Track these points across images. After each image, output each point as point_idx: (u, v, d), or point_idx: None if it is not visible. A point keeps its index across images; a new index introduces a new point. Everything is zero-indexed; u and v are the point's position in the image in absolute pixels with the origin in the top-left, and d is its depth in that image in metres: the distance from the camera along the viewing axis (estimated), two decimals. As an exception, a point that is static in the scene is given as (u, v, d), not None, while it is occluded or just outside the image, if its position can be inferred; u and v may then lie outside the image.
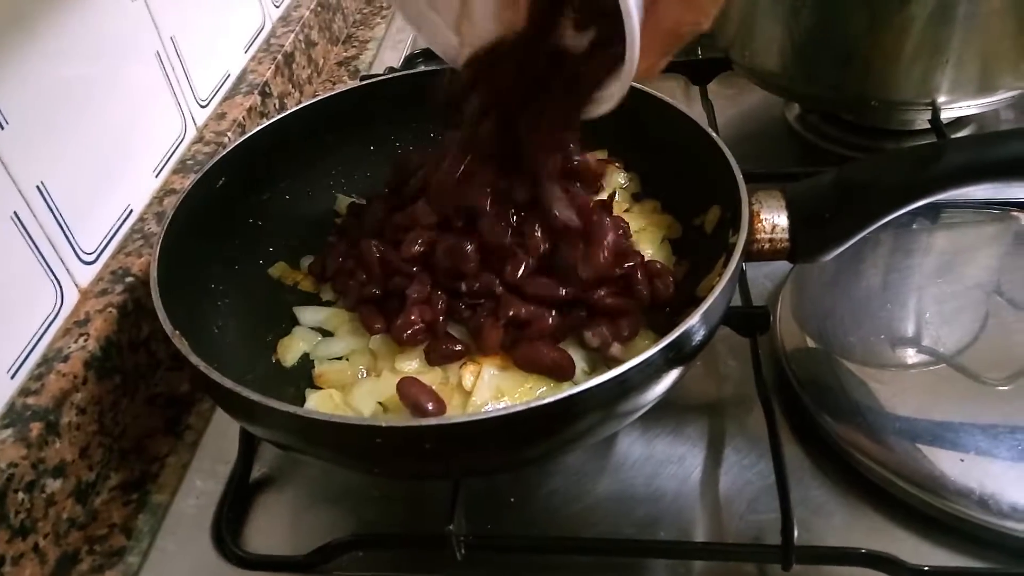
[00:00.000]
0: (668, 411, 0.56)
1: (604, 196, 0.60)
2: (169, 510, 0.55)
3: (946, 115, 0.72)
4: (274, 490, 0.55)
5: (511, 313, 0.48)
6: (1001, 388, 0.54)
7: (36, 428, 0.51)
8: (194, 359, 0.43)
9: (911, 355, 0.58)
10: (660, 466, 0.53)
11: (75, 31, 0.60)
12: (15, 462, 0.49)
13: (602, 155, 0.66)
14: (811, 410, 0.54)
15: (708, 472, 0.53)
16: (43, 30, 0.57)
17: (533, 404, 0.39)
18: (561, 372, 0.48)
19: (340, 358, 0.54)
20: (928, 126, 0.73)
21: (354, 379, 0.51)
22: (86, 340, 0.56)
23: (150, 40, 0.70)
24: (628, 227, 0.57)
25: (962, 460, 0.49)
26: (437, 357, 0.50)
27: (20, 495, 0.49)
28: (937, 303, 0.61)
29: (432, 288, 0.51)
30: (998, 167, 0.46)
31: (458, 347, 0.50)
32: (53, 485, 0.52)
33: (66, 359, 0.55)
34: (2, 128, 0.53)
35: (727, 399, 0.57)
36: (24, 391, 0.53)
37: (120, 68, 0.66)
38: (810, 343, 0.58)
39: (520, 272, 0.49)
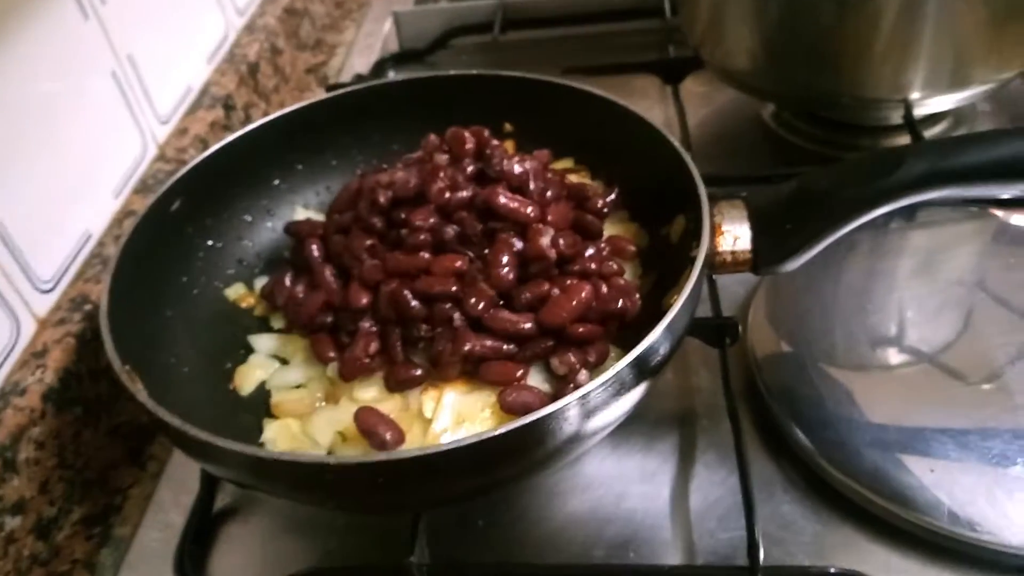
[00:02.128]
0: (638, 425, 0.55)
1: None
2: (132, 543, 0.54)
3: (919, 112, 0.70)
4: (238, 521, 0.54)
5: (467, 348, 0.47)
6: (985, 387, 0.53)
7: (-9, 466, 0.50)
8: (141, 397, 0.42)
9: (889, 355, 0.57)
10: (631, 484, 0.53)
11: (26, 56, 0.59)
12: (-30, 502, 0.48)
13: (568, 163, 0.65)
14: (781, 421, 0.53)
15: (679, 489, 0.52)
16: (-12, 56, 0.55)
17: (486, 435, 0.38)
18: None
19: (298, 386, 0.53)
20: (902, 121, 0.72)
21: (312, 408, 0.50)
22: (43, 372, 0.55)
23: (106, 60, 0.68)
24: (614, 263, 0.54)
25: (932, 471, 0.48)
26: (395, 384, 0.49)
27: (-24, 536, 0.48)
28: (917, 301, 0.60)
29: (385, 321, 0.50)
30: (959, 174, 0.45)
31: (417, 372, 0.48)
32: (12, 523, 0.51)
33: (23, 393, 0.54)
34: (-53, 162, 0.51)
35: (698, 411, 0.57)
36: (-21, 428, 0.52)
37: (75, 91, 0.64)
38: (784, 348, 0.58)
39: (481, 307, 0.48)
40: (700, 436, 0.55)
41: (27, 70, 0.59)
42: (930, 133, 0.76)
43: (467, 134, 0.57)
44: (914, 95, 0.67)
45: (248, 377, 0.54)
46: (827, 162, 0.75)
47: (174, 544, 0.52)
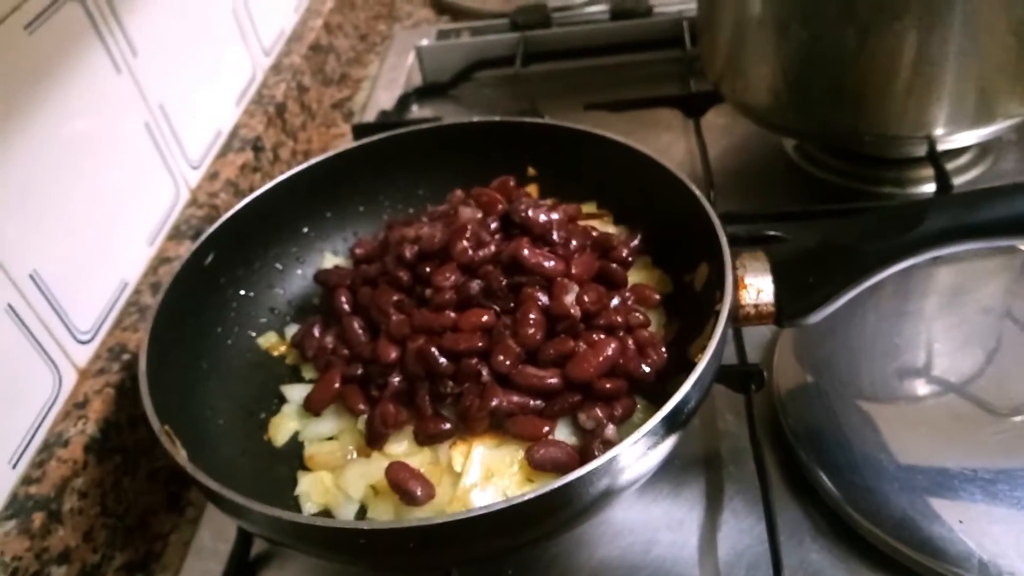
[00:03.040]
0: (665, 471, 0.56)
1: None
2: (173, 591, 0.55)
3: (943, 146, 0.70)
4: (274, 568, 0.55)
5: (494, 404, 0.48)
6: (1015, 419, 0.53)
7: (38, 518, 0.51)
8: (180, 460, 0.44)
9: (915, 394, 0.58)
10: (659, 531, 0.53)
11: (62, 110, 0.61)
12: (19, 555, 0.50)
13: (591, 207, 0.66)
14: (807, 466, 0.53)
15: (707, 536, 0.52)
16: (26, 116, 0.57)
17: (517, 500, 0.39)
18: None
19: (330, 438, 0.54)
20: (925, 155, 0.72)
21: (344, 460, 0.52)
22: (85, 423, 0.57)
23: (138, 111, 0.70)
24: (641, 316, 0.55)
25: (961, 521, 0.48)
26: (424, 438, 0.50)
27: (25, 587, 0.50)
28: (943, 339, 0.60)
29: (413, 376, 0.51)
30: (983, 228, 0.45)
31: (446, 426, 0.50)
32: (58, 572, 0.53)
33: (66, 444, 0.56)
34: (-8, 223, 0.53)
35: (725, 456, 0.57)
36: (26, 480, 0.54)
37: (109, 142, 0.66)
38: (809, 391, 0.58)
39: (508, 364, 0.49)
40: (727, 482, 0.55)
41: (62, 123, 0.61)
42: (953, 165, 0.76)
43: (496, 195, 0.58)
44: (937, 131, 0.67)
45: (281, 428, 0.55)
46: (852, 195, 0.76)
47: (213, 591, 0.54)
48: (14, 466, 0.54)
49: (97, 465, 0.57)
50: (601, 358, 0.49)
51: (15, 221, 0.55)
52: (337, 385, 0.54)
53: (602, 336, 0.50)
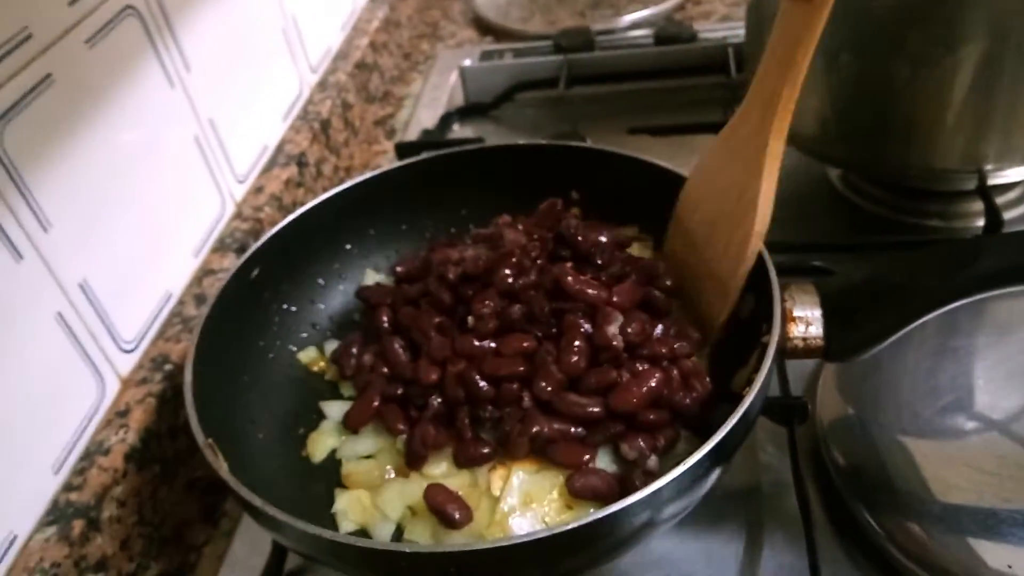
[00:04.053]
0: (704, 504, 0.54)
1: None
2: (206, 603, 0.55)
3: (994, 181, 0.69)
4: (308, 583, 0.55)
5: (535, 430, 0.48)
6: None
7: (78, 525, 0.52)
8: (224, 474, 0.44)
9: (960, 432, 0.56)
10: (696, 565, 0.52)
11: (116, 125, 0.62)
12: (58, 562, 0.50)
13: (632, 231, 0.66)
14: (850, 504, 0.52)
15: (745, 571, 0.52)
16: (84, 128, 0.58)
17: (559, 529, 0.38)
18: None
19: (368, 456, 0.54)
20: (975, 188, 0.71)
21: (381, 480, 0.52)
22: (126, 432, 0.58)
23: (189, 125, 0.71)
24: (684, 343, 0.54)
25: (1010, 567, 0.47)
26: (464, 460, 0.50)
27: (62, 594, 0.50)
28: (990, 370, 0.59)
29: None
30: (1041, 269, 0.44)
31: (486, 450, 0.49)
32: (95, 580, 0.53)
33: (107, 452, 0.56)
34: (46, 231, 0.54)
35: (765, 490, 0.56)
36: (67, 487, 0.54)
37: (160, 156, 0.67)
38: (853, 421, 0.57)
39: (550, 391, 0.49)
40: (767, 516, 0.54)
41: (117, 135, 0.62)
42: (1003, 199, 0.75)
43: (543, 221, 0.58)
44: (988, 166, 0.66)
45: (319, 445, 0.56)
46: (898, 228, 0.75)
47: (246, 606, 0.54)
48: (56, 472, 0.54)
49: (136, 474, 0.57)
50: (644, 389, 0.48)
51: (68, 231, 0.56)
52: (376, 404, 0.54)
53: (646, 366, 0.49)
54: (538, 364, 0.49)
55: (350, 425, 0.55)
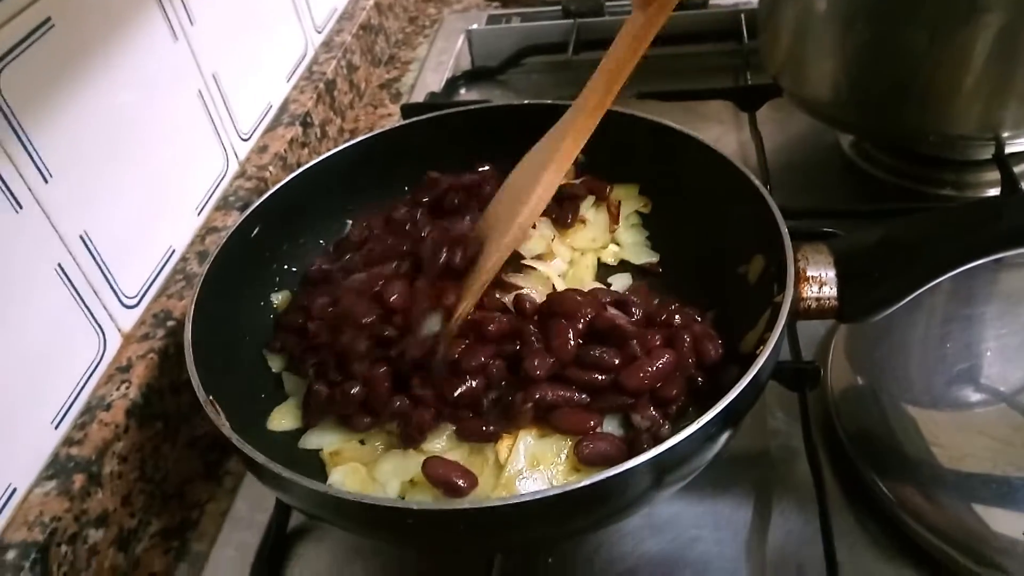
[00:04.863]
0: (712, 467, 0.54)
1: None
2: (208, 560, 0.55)
3: (1011, 148, 0.68)
4: (312, 541, 0.54)
5: (537, 396, 0.47)
6: None
7: (79, 480, 0.51)
8: (226, 431, 0.43)
9: (972, 399, 0.56)
10: (704, 528, 0.52)
11: (118, 76, 0.60)
12: (58, 516, 0.50)
13: (634, 189, 0.65)
14: (861, 470, 0.52)
15: (755, 535, 0.51)
16: (86, 78, 0.57)
17: (569, 487, 0.38)
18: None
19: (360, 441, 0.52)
20: (991, 156, 0.70)
21: (374, 456, 0.50)
22: (128, 387, 0.57)
23: (193, 79, 0.70)
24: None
25: (1023, 534, 0.46)
26: (468, 436, 0.48)
27: (63, 548, 0.50)
28: (1001, 344, 0.58)
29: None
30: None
31: (490, 428, 0.48)
32: (95, 535, 0.53)
33: (108, 407, 0.55)
34: (46, 182, 0.53)
35: (774, 455, 0.56)
36: (68, 441, 0.54)
37: (163, 109, 0.66)
38: (864, 392, 0.56)
39: (540, 371, 0.48)
40: (776, 481, 0.54)
41: (119, 89, 0.61)
42: (1021, 169, 0.73)
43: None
44: (1006, 133, 0.65)
45: (277, 422, 0.54)
46: (910, 196, 0.74)
47: (249, 562, 0.53)
48: (56, 426, 0.54)
49: (138, 430, 0.57)
50: (656, 368, 0.47)
51: (68, 182, 0.55)
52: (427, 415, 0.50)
53: (659, 344, 0.49)
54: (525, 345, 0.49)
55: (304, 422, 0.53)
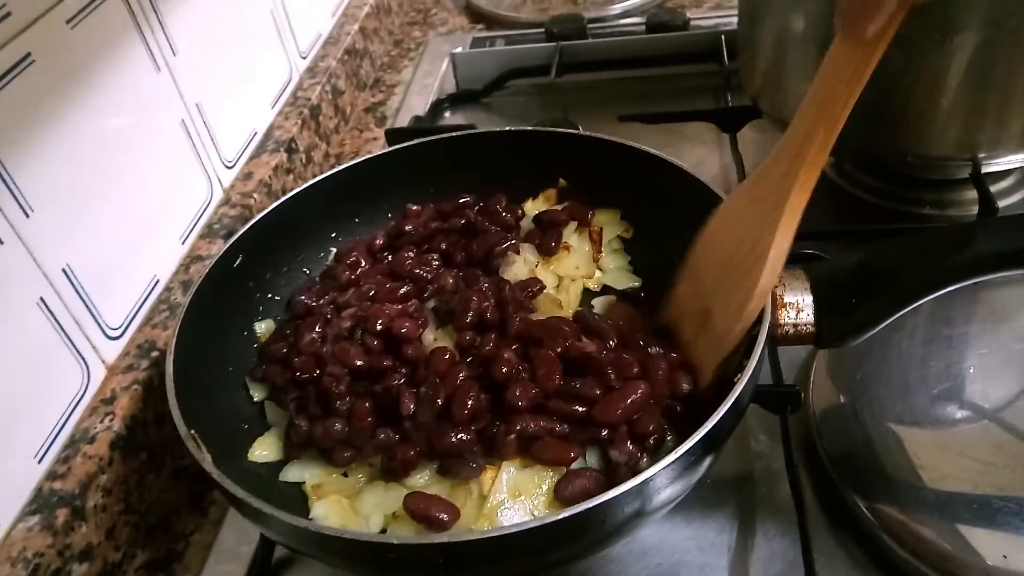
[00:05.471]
0: (696, 492, 0.54)
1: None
2: (193, 592, 0.55)
3: (988, 168, 0.69)
4: (297, 572, 0.54)
5: (519, 427, 0.47)
6: None
7: (62, 514, 0.51)
8: (207, 466, 0.43)
9: (953, 420, 0.56)
10: (688, 553, 0.52)
11: (101, 109, 0.61)
12: (41, 551, 0.49)
13: (614, 216, 0.66)
14: (843, 492, 0.52)
15: (738, 560, 0.51)
16: (67, 111, 0.57)
17: (550, 519, 0.38)
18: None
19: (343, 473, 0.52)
20: (968, 176, 0.70)
21: (356, 489, 0.50)
22: (112, 419, 0.57)
23: (176, 109, 0.70)
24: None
25: (1005, 556, 0.46)
26: (453, 473, 0.48)
27: (46, 584, 0.50)
28: (982, 363, 0.59)
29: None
30: (1037, 254, 0.44)
31: (473, 465, 0.48)
32: (80, 570, 0.52)
33: (92, 440, 0.55)
34: (27, 216, 0.53)
35: (758, 478, 0.56)
36: (51, 475, 0.53)
37: (146, 140, 0.66)
38: (846, 409, 0.57)
39: (522, 401, 0.48)
40: (758, 504, 0.54)
41: (100, 118, 0.61)
42: (997, 188, 0.74)
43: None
44: (982, 153, 0.66)
45: (257, 452, 0.54)
46: (891, 216, 0.75)
47: (233, 595, 0.53)
48: (40, 460, 0.53)
49: (122, 462, 0.57)
50: (630, 400, 0.48)
51: (50, 214, 0.55)
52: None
53: (632, 377, 0.49)
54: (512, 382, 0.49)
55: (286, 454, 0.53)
